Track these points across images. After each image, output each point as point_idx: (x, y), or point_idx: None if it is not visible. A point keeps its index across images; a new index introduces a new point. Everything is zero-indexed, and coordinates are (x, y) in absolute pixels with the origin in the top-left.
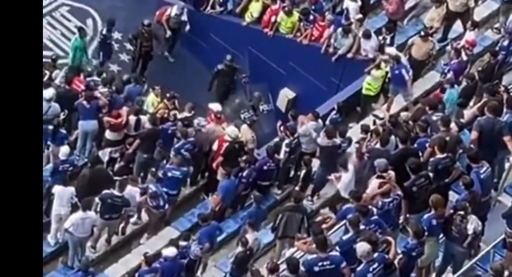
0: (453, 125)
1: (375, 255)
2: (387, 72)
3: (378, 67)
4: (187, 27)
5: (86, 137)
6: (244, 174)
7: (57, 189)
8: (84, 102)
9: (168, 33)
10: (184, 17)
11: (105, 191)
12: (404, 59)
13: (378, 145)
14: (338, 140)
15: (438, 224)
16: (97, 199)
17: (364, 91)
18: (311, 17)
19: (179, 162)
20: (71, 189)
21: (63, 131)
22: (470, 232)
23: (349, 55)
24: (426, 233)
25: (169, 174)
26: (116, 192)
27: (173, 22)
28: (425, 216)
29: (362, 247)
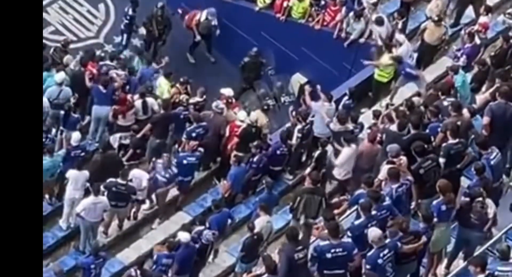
0: (465, 111)
1: (387, 241)
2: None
3: (389, 51)
4: (218, 32)
5: (99, 122)
6: (255, 159)
7: (71, 173)
8: (101, 87)
9: (198, 38)
10: (214, 22)
11: (110, 179)
12: (404, 49)
13: (394, 128)
14: (350, 125)
15: (448, 210)
16: (102, 187)
17: (377, 78)
18: (323, 2)
19: (192, 147)
20: (86, 173)
21: (75, 115)
22: (491, 216)
23: (361, 40)
24: (436, 219)
25: (184, 161)
26: (120, 180)
27: (202, 27)
28: (434, 202)
29: (373, 232)
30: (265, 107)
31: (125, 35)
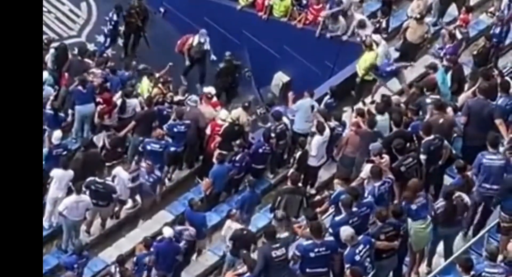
0: (449, 109)
1: (360, 237)
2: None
3: (370, 49)
4: (212, 57)
5: (83, 121)
6: (237, 158)
7: (56, 172)
8: (80, 87)
9: (187, 62)
10: (207, 46)
11: (89, 178)
12: (381, 49)
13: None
14: (332, 123)
15: (419, 208)
16: (83, 186)
17: (364, 77)
18: (304, 2)
19: (158, 135)
20: (71, 173)
21: (62, 114)
22: (469, 203)
23: (344, 38)
24: (410, 220)
25: (148, 147)
26: (97, 178)
27: (195, 51)
28: (403, 203)
29: (345, 231)
30: (246, 105)
31: (108, 39)
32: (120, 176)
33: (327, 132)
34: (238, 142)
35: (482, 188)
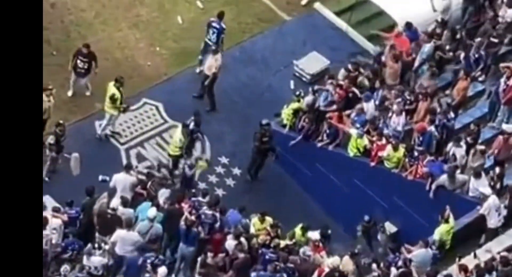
0: None
1: None
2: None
3: (446, 221)
4: None
5: (182, 260)
6: None
7: None
8: (184, 227)
9: None
10: None
11: None
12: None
13: None
14: None
15: None
16: None
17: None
18: (416, 154)
19: (272, 269)
20: None
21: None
22: None
23: (458, 191)
24: None
25: None
26: None
27: None
28: None
29: None
30: (352, 253)
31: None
32: None
33: None
34: None
35: None
